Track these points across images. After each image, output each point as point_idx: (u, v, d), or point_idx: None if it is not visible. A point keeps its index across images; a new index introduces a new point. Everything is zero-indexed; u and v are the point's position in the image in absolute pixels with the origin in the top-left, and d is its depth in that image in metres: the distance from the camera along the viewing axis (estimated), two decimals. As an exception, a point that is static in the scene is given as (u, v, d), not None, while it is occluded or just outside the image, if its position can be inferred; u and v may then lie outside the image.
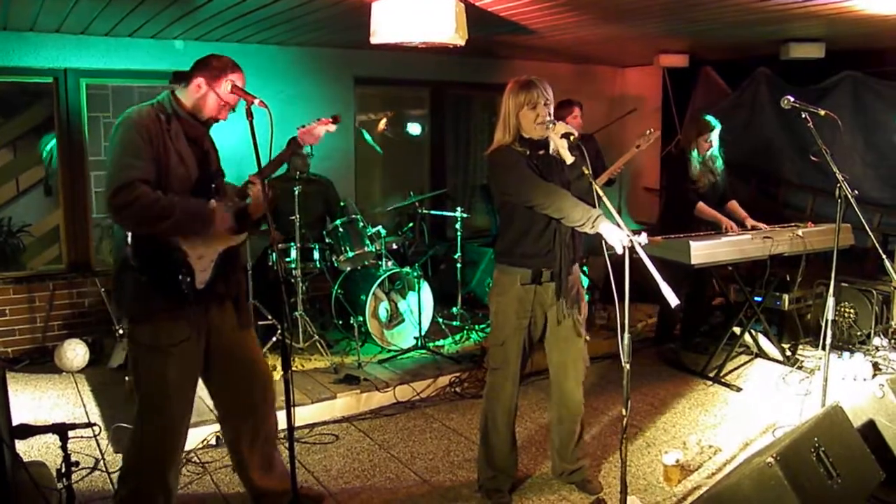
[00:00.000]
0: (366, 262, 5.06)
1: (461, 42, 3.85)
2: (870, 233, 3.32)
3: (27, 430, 2.66)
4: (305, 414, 4.03)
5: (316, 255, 4.97)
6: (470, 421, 4.07)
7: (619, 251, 2.67)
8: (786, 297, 5.05)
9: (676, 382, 4.71)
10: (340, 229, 4.94)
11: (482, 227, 7.10)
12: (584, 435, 3.37)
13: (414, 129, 6.98)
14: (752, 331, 5.09)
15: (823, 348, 3.46)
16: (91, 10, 4.28)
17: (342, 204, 5.33)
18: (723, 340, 4.86)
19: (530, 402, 4.29)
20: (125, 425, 3.62)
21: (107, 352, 5.07)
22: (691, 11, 4.37)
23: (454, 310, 5.47)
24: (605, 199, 2.75)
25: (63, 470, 2.60)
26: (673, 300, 2.53)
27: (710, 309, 5.74)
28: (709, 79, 6.93)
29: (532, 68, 6.65)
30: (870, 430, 3.06)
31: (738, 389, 4.55)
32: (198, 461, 3.58)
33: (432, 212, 5.88)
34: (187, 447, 3.27)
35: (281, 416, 2.84)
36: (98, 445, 3.66)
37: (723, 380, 4.67)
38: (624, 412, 2.70)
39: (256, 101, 2.56)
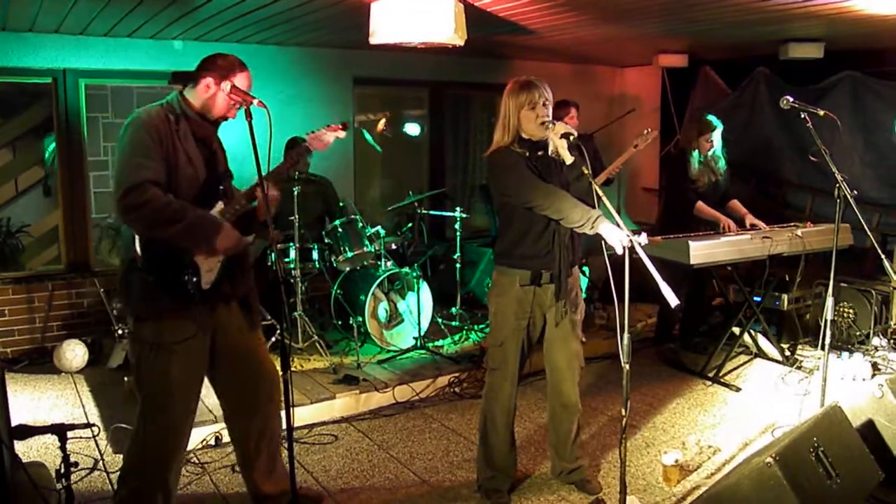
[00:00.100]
0: (365, 263, 5.06)
1: (460, 42, 3.85)
2: (869, 233, 3.32)
3: (26, 431, 2.66)
4: (304, 414, 4.03)
5: (315, 255, 4.97)
6: (469, 421, 4.07)
7: (619, 251, 2.67)
8: (785, 297, 5.05)
9: (676, 382, 4.71)
10: (339, 229, 4.94)
11: (481, 227, 7.10)
12: (583, 435, 3.38)
13: (413, 129, 6.98)
14: (752, 331, 5.09)
15: (822, 348, 3.46)
16: (90, 11, 4.28)
17: (341, 204, 5.33)
18: (722, 340, 4.86)
19: (529, 403, 4.29)
20: (124, 426, 3.62)
21: (106, 352, 5.07)
22: (691, 11, 4.37)
23: (453, 310, 5.47)
24: (604, 199, 2.75)
25: (62, 470, 2.61)
26: (672, 300, 2.53)
27: (709, 309, 5.74)
28: (708, 79, 6.93)
29: (531, 68, 6.66)
30: (869, 430, 3.06)
31: (738, 389, 4.55)
32: (197, 461, 3.58)
33: (431, 212, 5.88)
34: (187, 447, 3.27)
35: (280, 417, 2.84)
36: (97, 446, 3.67)
37: (722, 380, 4.67)
38: (623, 412, 2.70)
39: (255, 102, 2.56)
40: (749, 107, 6.56)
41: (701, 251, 4.16)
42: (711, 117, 4.80)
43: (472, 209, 7.05)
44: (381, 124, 7.10)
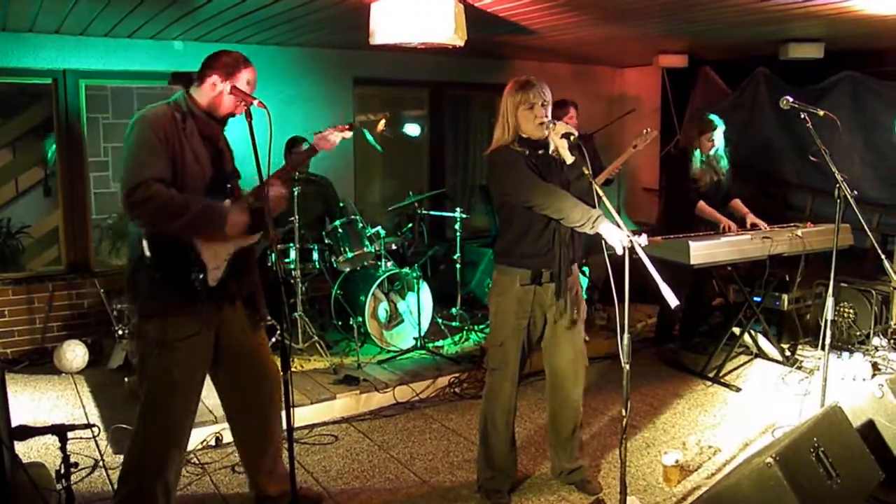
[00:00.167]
0: (365, 263, 5.05)
1: (460, 43, 3.85)
2: (869, 233, 3.32)
3: (26, 432, 2.66)
4: (305, 414, 4.03)
5: (315, 255, 4.97)
6: (469, 421, 4.07)
7: (619, 251, 2.67)
8: (785, 297, 5.05)
9: (676, 383, 4.71)
10: (339, 230, 4.94)
11: (481, 227, 7.10)
12: (584, 435, 3.38)
13: (413, 129, 6.98)
14: (752, 331, 5.09)
15: (823, 348, 3.46)
16: (90, 11, 4.28)
17: (341, 204, 5.33)
18: (722, 341, 4.86)
19: (529, 403, 4.29)
20: (124, 426, 3.62)
21: (106, 353, 5.06)
22: (691, 12, 4.37)
23: (453, 310, 5.47)
24: (605, 199, 2.75)
25: (62, 471, 2.61)
26: (672, 301, 2.53)
27: (709, 309, 5.74)
28: (708, 79, 6.93)
29: (531, 68, 6.67)
30: (869, 430, 3.06)
31: (738, 390, 4.55)
32: (197, 462, 3.58)
33: (431, 212, 5.87)
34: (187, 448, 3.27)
35: (281, 417, 2.84)
36: (97, 446, 3.67)
37: (722, 380, 4.67)
38: (623, 412, 2.70)
39: (255, 102, 2.56)
40: (749, 107, 6.56)
41: (701, 251, 4.16)
42: (713, 116, 4.80)
43: (472, 209, 7.05)
44: (381, 125, 7.09)
